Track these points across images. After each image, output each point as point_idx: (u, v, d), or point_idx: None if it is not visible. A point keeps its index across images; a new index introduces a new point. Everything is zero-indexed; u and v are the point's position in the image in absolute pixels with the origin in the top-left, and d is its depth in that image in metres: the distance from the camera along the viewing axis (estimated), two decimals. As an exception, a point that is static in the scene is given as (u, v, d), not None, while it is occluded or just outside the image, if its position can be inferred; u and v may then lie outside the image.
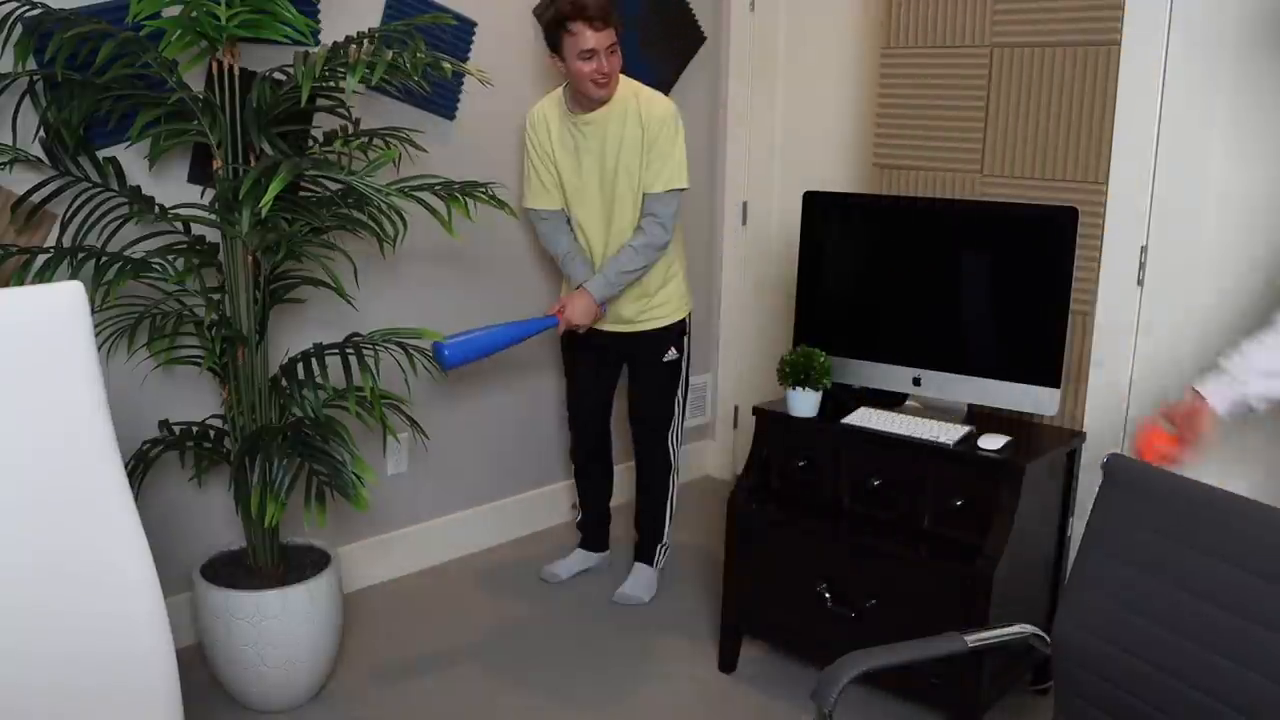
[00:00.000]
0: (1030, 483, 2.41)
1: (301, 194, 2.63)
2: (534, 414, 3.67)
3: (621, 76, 2.94)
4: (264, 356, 2.55)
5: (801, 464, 2.72)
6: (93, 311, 1.91)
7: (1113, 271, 2.68)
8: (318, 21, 2.87)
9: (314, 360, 2.55)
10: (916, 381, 2.71)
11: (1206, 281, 2.57)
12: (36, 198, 2.42)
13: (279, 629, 2.49)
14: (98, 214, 2.47)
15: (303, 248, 2.54)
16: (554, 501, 3.80)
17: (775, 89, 3.94)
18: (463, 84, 3.25)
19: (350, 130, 2.69)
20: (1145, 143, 2.60)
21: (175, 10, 2.27)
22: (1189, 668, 1.49)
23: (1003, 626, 1.80)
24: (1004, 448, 2.45)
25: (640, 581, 3.26)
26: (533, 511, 3.74)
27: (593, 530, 3.44)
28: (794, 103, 3.89)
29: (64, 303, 1.58)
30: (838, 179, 3.76)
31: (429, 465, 3.40)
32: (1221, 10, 2.47)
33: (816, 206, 2.84)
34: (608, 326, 3.11)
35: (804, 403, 2.69)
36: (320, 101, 2.68)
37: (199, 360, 2.55)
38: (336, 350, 2.57)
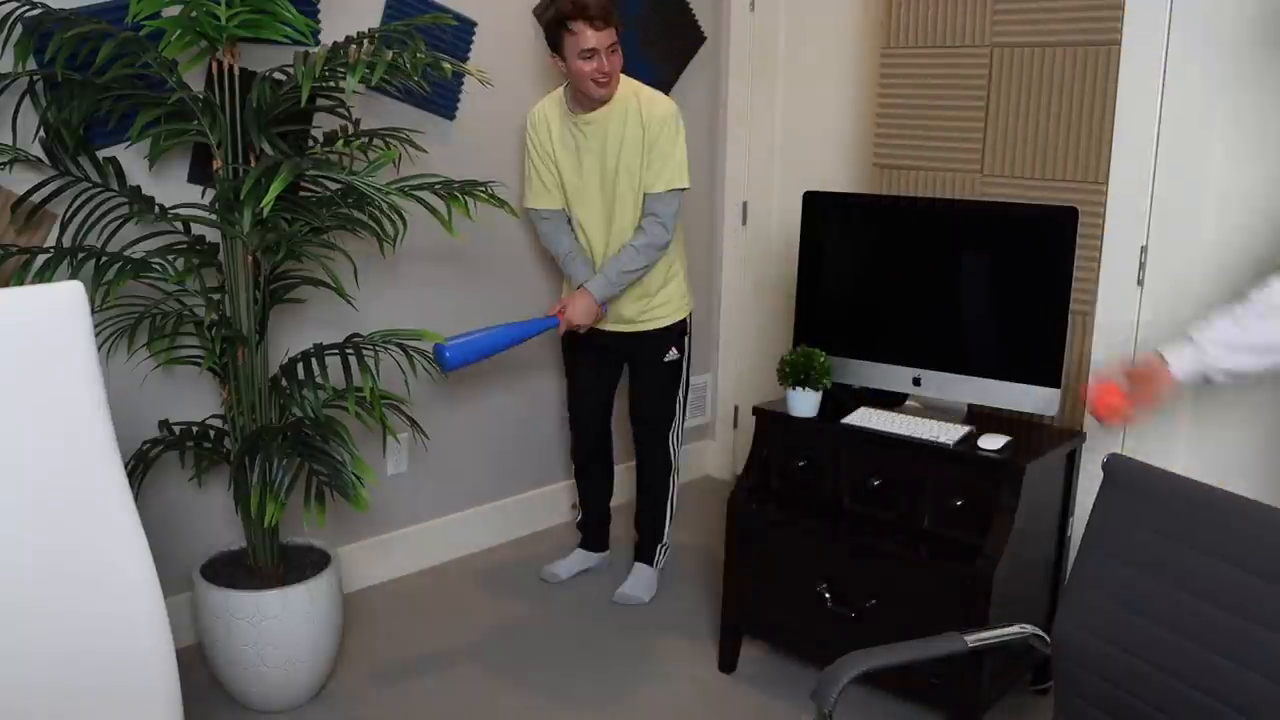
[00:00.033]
0: (1030, 483, 2.41)
1: (301, 194, 2.63)
2: (534, 414, 3.67)
3: (622, 76, 2.94)
4: (264, 356, 2.55)
5: (801, 464, 2.72)
6: (93, 311, 1.92)
7: (1113, 271, 2.68)
8: (318, 21, 2.87)
9: (314, 360, 2.55)
10: (916, 381, 2.71)
11: (1206, 281, 2.57)
12: (36, 198, 2.42)
13: (279, 629, 2.49)
14: (98, 214, 2.47)
15: (303, 248, 2.54)
16: (554, 501, 3.80)
17: (775, 89, 3.94)
18: (463, 84, 3.25)
19: (350, 130, 2.69)
20: (1145, 143, 2.60)
21: (175, 10, 2.27)
22: (1189, 668, 1.49)
23: (1003, 626, 1.80)
24: (1004, 448, 2.45)
25: (640, 581, 3.26)
26: (533, 511, 3.74)
27: (593, 530, 3.44)
28: (794, 103, 3.89)
29: (64, 303, 1.58)
30: (838, 179, 3.76)
31: (429, 465, 3.40)
32: (1221, 10, 2.47)
33: (816, 206, 2.84)
34: (609, 326, 3.11)
35: (804, 403, 2.69)
36: (320, 101, 2.68)
37: (199, 360, 2.55)
38: (336, 350, 2.57)
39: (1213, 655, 1.46)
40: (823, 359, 2.68)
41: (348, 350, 2.56)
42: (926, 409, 2.72)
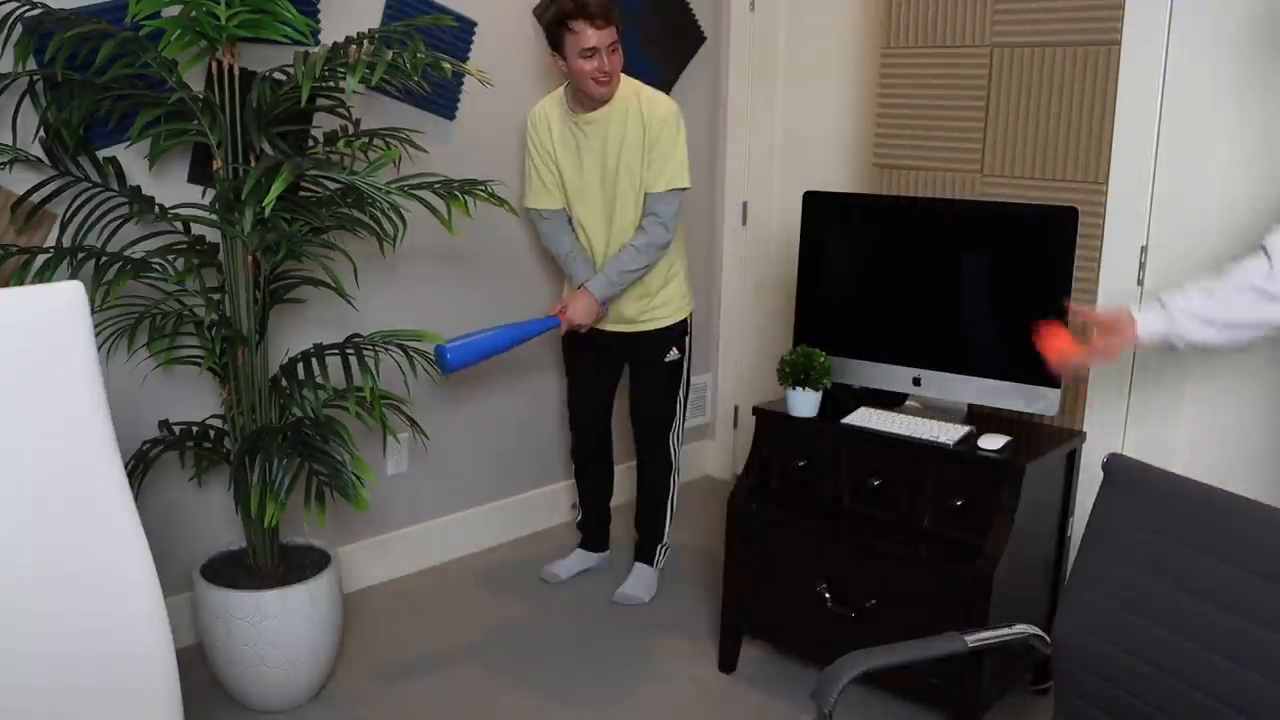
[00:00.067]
0: (1030, 483, 2.41)
1: (302, 194, 2.63)
2: (534, 414, 3.67)
3: (623, 76, 2.94)
4: (264, 356, 2.55)
5: (801, 464, 2.72)
6: (93, 311, 1.92)
7: (1113, 271, 2.68)
8: (318, 21, 2.87)
9: (314, 360, 2.55)
10: (916, 381, 2.71)
11: (1206, 282, 2.57)
12: (36, 198, 2.42)
13: (279, 629, 2.49)
14: (98, 214, 2.47)
15: (303, 247, 2.54)
16: (554, 501, 3.80)
17: (775, 89, 3.94)
18: (463, 84, 3.25)
19: (350, 130, 2.69)
20: (1145, 143, 2.60)
21: (175, 10, 2.27)
22: (1189, 668, 1.49)
23: (1003, 626, 1.80)
24: (1004, 448, 2.45)
25: (640, 581, 3.26)
26: (533, 511, 3.74)
27: (593, 530, 3.44)
28: (794, 103, 3.89)
29: (64, 303, 1.58)
30: (838, 179, 3.76)
31: (429, 465, 3.40)
32: (1222, 10, 2.47)
33: (816, 206, 2.84)
34: (609, 326, 3.11)
35: (804, 403, 2.69)
36: (320, 101, 2.68)
37: (199, 360, 2.55)
38: (336, 350, 2.57)
39: (1213, 655, 1.46)
40: (823, 359, 2.68)
41: (348, 350, 2.56)
42: (926, 409, 2.72)
